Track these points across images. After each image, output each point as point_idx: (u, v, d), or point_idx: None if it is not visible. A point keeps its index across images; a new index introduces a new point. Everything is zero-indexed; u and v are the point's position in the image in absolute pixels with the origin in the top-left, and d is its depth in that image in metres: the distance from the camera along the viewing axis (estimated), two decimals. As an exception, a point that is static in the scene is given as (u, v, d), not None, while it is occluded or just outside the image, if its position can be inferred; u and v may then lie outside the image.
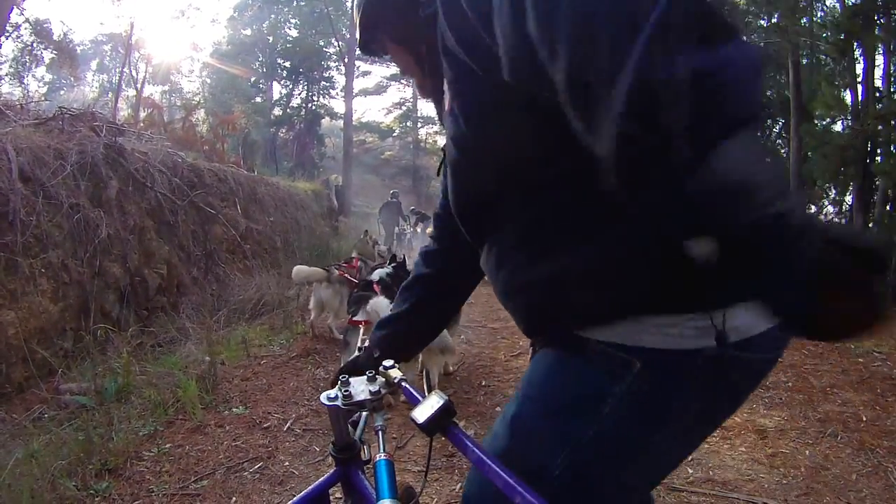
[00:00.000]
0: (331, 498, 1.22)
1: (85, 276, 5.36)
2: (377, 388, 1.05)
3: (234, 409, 3.24)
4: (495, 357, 4.13)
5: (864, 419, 3.03)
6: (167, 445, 2.87)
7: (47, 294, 4.97)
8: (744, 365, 0.79)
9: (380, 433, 1.04)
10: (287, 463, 2.60)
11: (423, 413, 0.92)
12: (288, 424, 3.00)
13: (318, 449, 2.73)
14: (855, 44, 10.76)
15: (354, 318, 3.29)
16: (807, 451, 2.62)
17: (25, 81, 18.43)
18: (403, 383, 1.05)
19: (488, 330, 5.02)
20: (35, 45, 17.81)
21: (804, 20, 12.48)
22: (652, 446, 0.83)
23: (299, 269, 4.81)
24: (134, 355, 4.80)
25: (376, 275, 4.13)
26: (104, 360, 4.68)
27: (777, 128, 20.97)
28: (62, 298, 5.12)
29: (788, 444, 2.72)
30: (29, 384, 4.46)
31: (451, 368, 3.58)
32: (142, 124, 12.36)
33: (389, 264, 4.53)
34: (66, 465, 2.61)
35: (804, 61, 14.03)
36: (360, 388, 1.05)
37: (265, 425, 3.01)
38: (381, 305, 3.02)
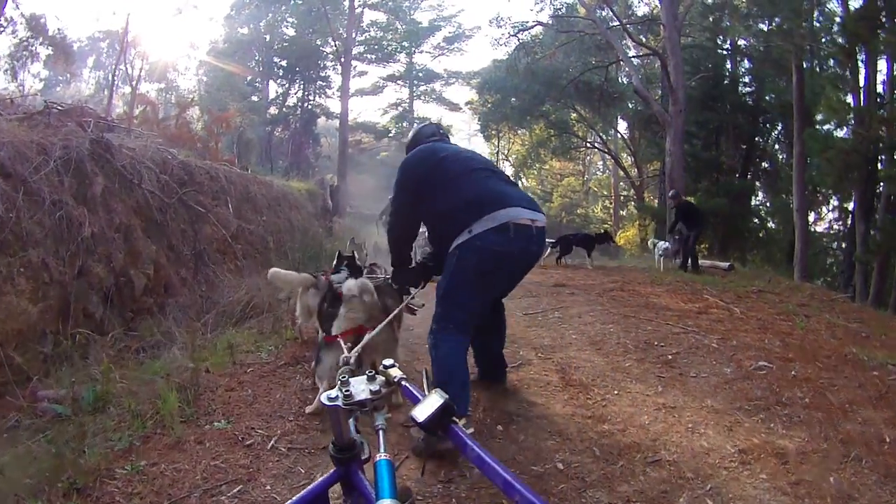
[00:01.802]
0: (330, 499, 1.20)
1: (67, 276, 5.15)
2: (377, 387, 1.09)
3: (216, 424, 3.01)
4: (495, 368, 3.93)
5: (888, 440, 2.85)
6: (142, 463, 2.65)
7: (26, 294, 4.76)
8: (484, 244, 2.57)
9: (380, 433, 1.06)
10: (269, 486, 2.38)
11: (423, 412, 0.98)
12: (272, 442, 2.78)
13: (303, 471, 2.51)
14: (858, 48, 10.62)
15: (330, 335, 3.03)
16: (831, 479, 2.43)
17: (21, 77, 18.26)
18: (403, 382, 1.10)
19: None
20: (30, 40, 17.63)
21: (807, 23, 12.31)
22: (468, 278, 2.64)
23: (276, 273, 4.23)
24: (117, 360, 4.59)
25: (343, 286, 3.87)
26: (85, 366, 4.49)
27: (775, 132, 20.90)
28: (42, 299, 4.91)
29: (812, 470, 2.53)
30: (6, 390, 4.25)
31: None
32: (136, 121, 12.15)
33: (340, 268, 4.25)
34: (33, 483, 2.41)
35: (805, 65, 13.93)
36: (361, 387, 1.08)
37: (248, 442, 2.79)
38: (352, 284, 3.05)
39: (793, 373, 3.83)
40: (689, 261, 10.19)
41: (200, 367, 3.74)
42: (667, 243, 11.09)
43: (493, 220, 2.56)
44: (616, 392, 3.39)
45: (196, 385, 3.44)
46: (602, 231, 13.50)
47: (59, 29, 18.09)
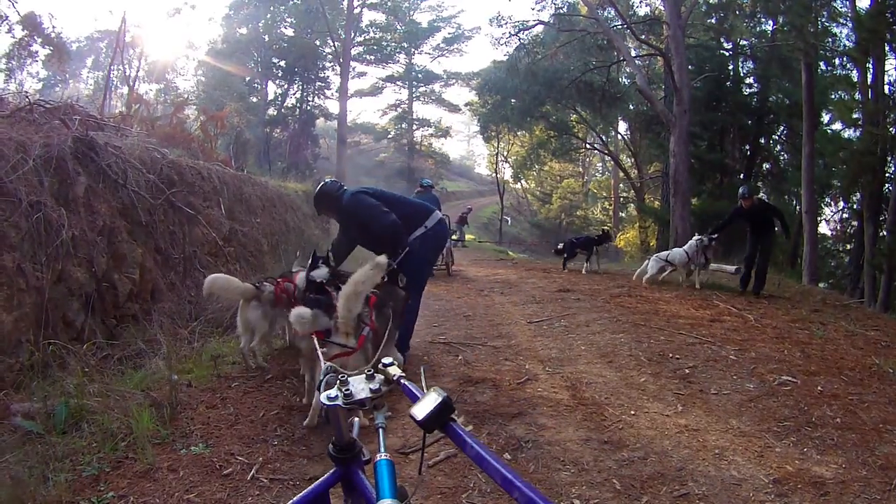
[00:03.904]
0: (331, 499, 1.19)
1: (44, 281, 4.86)
2: (377, 385, 1.07)
3: (193, 448, 2.73)
4: (499, 384, 3.63)
5: (931, 465, 2.59)
6: (109, 494, 2.38)
7: (0, 302, 4.47)
8: (433, 232, 4.39)
9: (380, 431, 1.06)
10: (247, 526, 2.11)
11: (422, 410, 0.95)
12: (253, 471, 2.50)
13: (286, 506, 2.24)
14: (873, 45, 10.32)
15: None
16: (879, 513, 2.17)
17: (19, 77, 18.00)
18: (402, 380, 1.08)
19: (489, 349, 4.53)
20: (26, 39, 17.34)
21: (820, 20, 11.96)
22: (429, 254, 4.48)
23: (214, 280, 3.96)
24: (97, 370, 4.32)
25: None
26: (62, 378, 4.21)
27: (778, 133, 20.60)
28: (17, 307, 4.62)
29: (854, 502, 2.26)
30: (-23, 403, 3.97)
31: None
32: (133, 120, 11.85)
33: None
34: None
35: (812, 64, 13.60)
36: (360, 386, 1.07)
37: (226, 471, 2.51)
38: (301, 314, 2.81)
39: (819, 388, 3.57)
40: (758, 281, 7.88)
41: (181, 382, 3.46)
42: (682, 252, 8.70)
43: (434, 219, 4.36)
44: (633, 412, 3.11)
45: (175, 402, 3.16)
46: (602, 231, 12.36)
47: (53, 27, 17.70)
